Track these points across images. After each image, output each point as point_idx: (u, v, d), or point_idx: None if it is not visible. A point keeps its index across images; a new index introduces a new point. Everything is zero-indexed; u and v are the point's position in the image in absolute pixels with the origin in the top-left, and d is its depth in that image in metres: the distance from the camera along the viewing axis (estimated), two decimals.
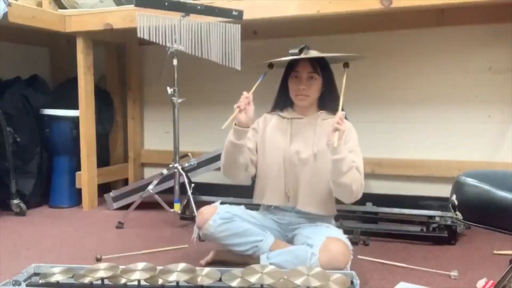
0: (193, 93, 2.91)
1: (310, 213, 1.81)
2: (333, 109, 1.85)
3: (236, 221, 1.78)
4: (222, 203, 1.88)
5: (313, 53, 1.80)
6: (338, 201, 1.85)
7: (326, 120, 1.83)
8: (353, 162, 1.66)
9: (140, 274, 1.42)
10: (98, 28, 2.70)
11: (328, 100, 1.85)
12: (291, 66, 1.82)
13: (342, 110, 1.67)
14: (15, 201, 2.74)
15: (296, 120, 1.85)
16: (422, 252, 2.08)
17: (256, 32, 2.91)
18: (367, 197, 2.39)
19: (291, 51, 1.76)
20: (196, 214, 1.98)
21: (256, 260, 1.73)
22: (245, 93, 1.70)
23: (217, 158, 2.77)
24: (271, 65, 1.89)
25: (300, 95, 1.80)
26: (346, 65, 1.85)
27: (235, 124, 1.70)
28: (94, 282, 1.42)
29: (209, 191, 2.76)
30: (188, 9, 2.30)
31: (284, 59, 1.80)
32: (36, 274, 1.52)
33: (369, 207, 2.49)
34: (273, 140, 1.84)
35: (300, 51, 1.76)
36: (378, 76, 2.77)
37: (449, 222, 2.20)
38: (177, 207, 2.44)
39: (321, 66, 1.81)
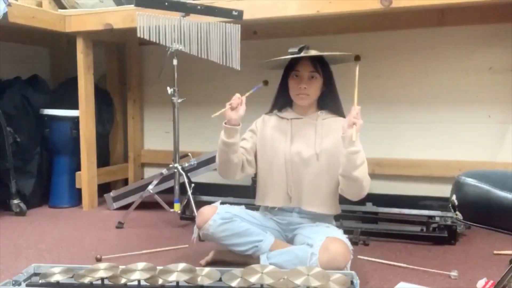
0: (193, 93, 2.92)
1: (314, 213, 1.80)
2: (333, 109, 1.86)
3: (236, 221, 1.78)
4: (222, 203, 1.88)
5: (314, 52, 1.80)
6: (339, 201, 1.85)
7: (327, 119, 1.83)
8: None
9: (140, 274, 1.42)
10: (98, 28, 2.70)
11: (328, 100, 1.85)
12: (292, 66, 1.82)
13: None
14: (15, 201, 2.74)
15: (296, 120, 1.85)
16: (422, 252, 2.08)
17: (256, 32, 2.91)
18: (367, 197, 2.37)
19: (290, 50, 1.76)
20: (196, 214, 1.98)
21: (256, 260, 1.73)
22: (238, 94, 1.71)
23: None
24: (266, 82, 1.86)
25: (301, 94, 1.79)
26: (357, 58, 1.77)
27: (225, 123, 1.70)
28: (94, 282, 1.42)
29: (209, 191, 2.76)
30: (188, 9, 2.30)
31: (285, 58, 1.79)
32: (36, 274, 1.52)
33: (369, 207, 2.49)
34: (273, 141, 1.84)
35: (300, 50, 1.76)
36: (378, 76, 2.77)
37: (449, 222, 2.20)
38: (177, 207, 2.44)
39: (322, 65, 1.81)
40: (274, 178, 1.82)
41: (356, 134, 1.57)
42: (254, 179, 2.18)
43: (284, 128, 1.85)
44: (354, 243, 2.00)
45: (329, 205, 1.81)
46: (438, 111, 2.69)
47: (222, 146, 1.72)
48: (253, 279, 1.36)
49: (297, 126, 1.84)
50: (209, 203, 1.91)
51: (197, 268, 1.46)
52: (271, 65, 1.92)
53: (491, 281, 1.64)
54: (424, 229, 2.31)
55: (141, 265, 1.46)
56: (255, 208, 1.94)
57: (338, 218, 2.14)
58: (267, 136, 1.86)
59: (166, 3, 2.26)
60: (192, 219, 2.38)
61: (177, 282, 1.39)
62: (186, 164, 2.57)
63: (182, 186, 2.46)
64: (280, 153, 1.81)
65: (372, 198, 2.55)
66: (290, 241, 1.84)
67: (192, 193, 2.46)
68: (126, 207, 2.71)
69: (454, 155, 2.66)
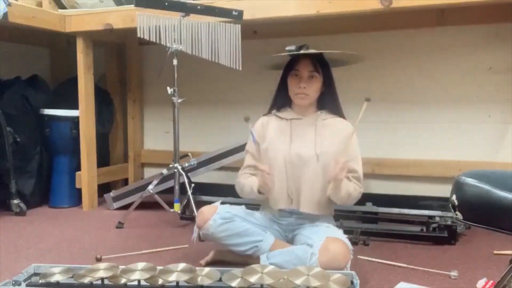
0: (193, 93, 2.91)
1: (311, 214, 1.80)
2: (332, 109, 1.85)
3: (236, 221, 1.78)
4: (222, 203, 1.88)
5: (313, 50, 1.79)
6: None
7: (326, 120, 1.83)
8: (352, 184, 1.74)
9: (140, 274, 1.42)
10: (98, 28, 2.70)
11: (327, 100, 1.85)
12: (291, 65, 1.81)
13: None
14: (15, 201, 2.74)
15: (296, 120, 1.84)
16: (422, 252, 2.08)
17: (256, 32, 2.91)
18: (367, 197, 2.39)
19: (288, 48, 1.75)
20: (196, 214, 1.98)
21: (256, 260, 1.73)
22: (263, 168, 1.71)
23: (217, 158, 2.77)
24: (247, 119, 1.75)
25: (300, 94, 1.79)
26: (368, 99, 1.72)
27: (259, 191, 1.76)
28: (94, 282, 1.42)
29: (209, 191, 2.76)
30: (188, 9, 2.30)
31: (285, 54, 1.78)
32: (36, 274, 1.52)
33: (369, 207, 2.49)
34: (274, 143, 1.83)
35: (299, 49, 1.76)
36: (378, 76, 2.77)
37: (449, 222, 2.20)
38: (177, 207, 2.44)
39: (321, 65, 1.80)
40: (274, 180, 1.82)
41: (331, 190, 1.69)
42: None
43: (284, 128, 1.84)
44: (354, 243, 2.00)
45: (325, 206, 1.81)
46: (438, 111, 2.69)
47: (251, 195, 1.80)
48: (253, 279, 1.36)
49: (296, 127, 1.83)
50: (209, 203, 1.91)
51: (197, 268, 1.46)
52: (271, 64, 1.91)
53: (491, 281, 1.64)
54: (424, 229, 2.31)
55: (141, 265, 1.46)
56: (255, 208, 1.94)
57: (338, 218, 2.15)
58: (268, 138, 1.85)
59: (166, 3, 2.26)
60: (192, 219, 2.38)
61: (177, 282, 1.39)
62: (186, 164, 2.57)
63: (182, 186, 2.46)
64: (279, 154, 1.80)
65: (372, 198, 2.56)
66: (290, 241, 1.84)
67: (192, 193, 2.46)
68: (126, 207, 2.71)
69: (454, 155, 2.66)
